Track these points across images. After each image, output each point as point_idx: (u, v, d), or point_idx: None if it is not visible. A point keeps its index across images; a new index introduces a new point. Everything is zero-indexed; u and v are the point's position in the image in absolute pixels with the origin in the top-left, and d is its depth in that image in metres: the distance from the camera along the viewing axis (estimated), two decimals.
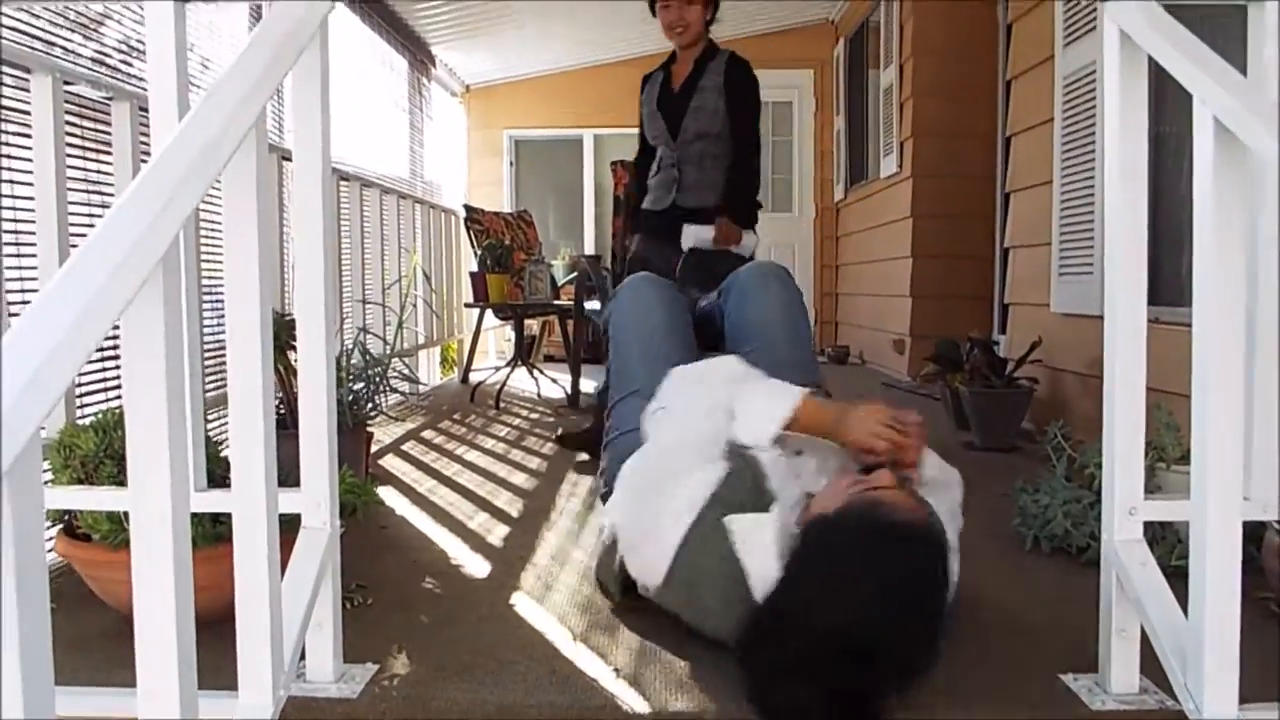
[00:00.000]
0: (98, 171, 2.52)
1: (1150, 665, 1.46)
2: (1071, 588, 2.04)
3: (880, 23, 6.25)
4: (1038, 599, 2.02)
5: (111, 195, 2.50)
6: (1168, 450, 2.19)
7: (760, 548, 1.55)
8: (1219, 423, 1.28)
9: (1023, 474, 2.49)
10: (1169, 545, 2.04)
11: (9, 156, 2.12)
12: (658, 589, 1.69)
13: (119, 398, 2.34)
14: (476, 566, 2.25)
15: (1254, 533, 1.99)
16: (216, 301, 2.77)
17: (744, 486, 1.67)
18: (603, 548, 1.93)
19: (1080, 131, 3.54)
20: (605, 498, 2.02)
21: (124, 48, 3.06)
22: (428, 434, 4.14)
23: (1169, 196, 3.01)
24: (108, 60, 2.96)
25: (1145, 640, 1.46)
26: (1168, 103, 2.78)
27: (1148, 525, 1.51)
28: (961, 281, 5.39)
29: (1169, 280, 2.93)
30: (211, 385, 2.76)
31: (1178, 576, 1.41)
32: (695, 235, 3.61)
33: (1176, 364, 1.33)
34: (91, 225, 2.59)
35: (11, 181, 2.12)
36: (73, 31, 2.76)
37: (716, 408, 1.82)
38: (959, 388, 3.83)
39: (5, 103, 2.11)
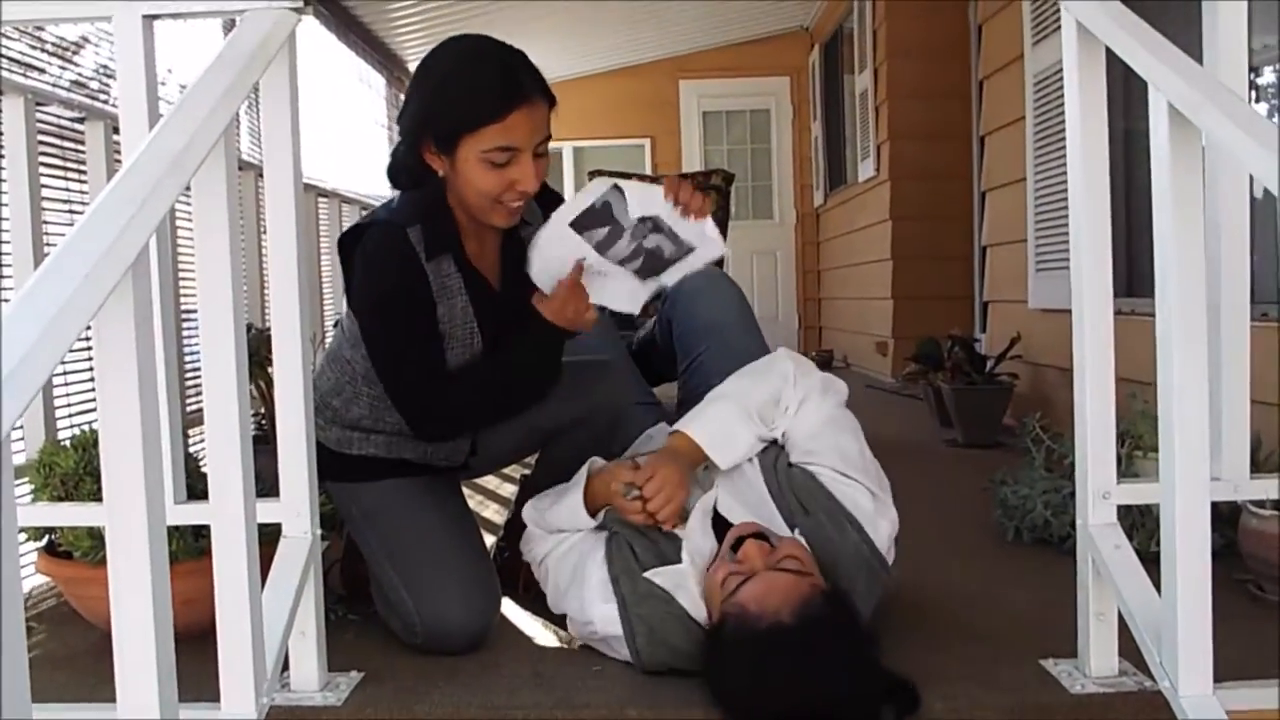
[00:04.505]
0: (79, 192, 2.53)
1: (1129, 648, 1.47)
2: (1053, 576, 2.04)
3: (854, 28, 6.30)
4: (1019, 588, 2.03)
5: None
6: (1144, 439, 2.21)
7: (690, 599, 1.56)
8: (1183, 404, 1.30)
9: (1004, 468, 2.50)
10: (1148, 531, 2.05)
11: None
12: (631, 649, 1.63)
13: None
14: None
15: (1233, 516, 2.01)
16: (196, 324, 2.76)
17: (627, 547, 1.65)
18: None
19: (1052, 127, 3.58)
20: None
21: (102, 73, 3.07)
22: None
23: (1144, 192, 3.03)
24: (86, 86, 2.97)
25: (1124, 624, 1.47)
26: (1140, 99, 2.82)
27: (1127, 511, 1.53)
28: (942, 282, 5.41)
29: (1145, 273, 2.96)
30: (194, 404, 2.75)
31: (1157, 562, 1.43)
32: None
33: (1152, 355, 1.36)
34: None
35: None
36: (52, 57, 2.77)
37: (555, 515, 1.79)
38: (941, 386, 3.85)
39: None
